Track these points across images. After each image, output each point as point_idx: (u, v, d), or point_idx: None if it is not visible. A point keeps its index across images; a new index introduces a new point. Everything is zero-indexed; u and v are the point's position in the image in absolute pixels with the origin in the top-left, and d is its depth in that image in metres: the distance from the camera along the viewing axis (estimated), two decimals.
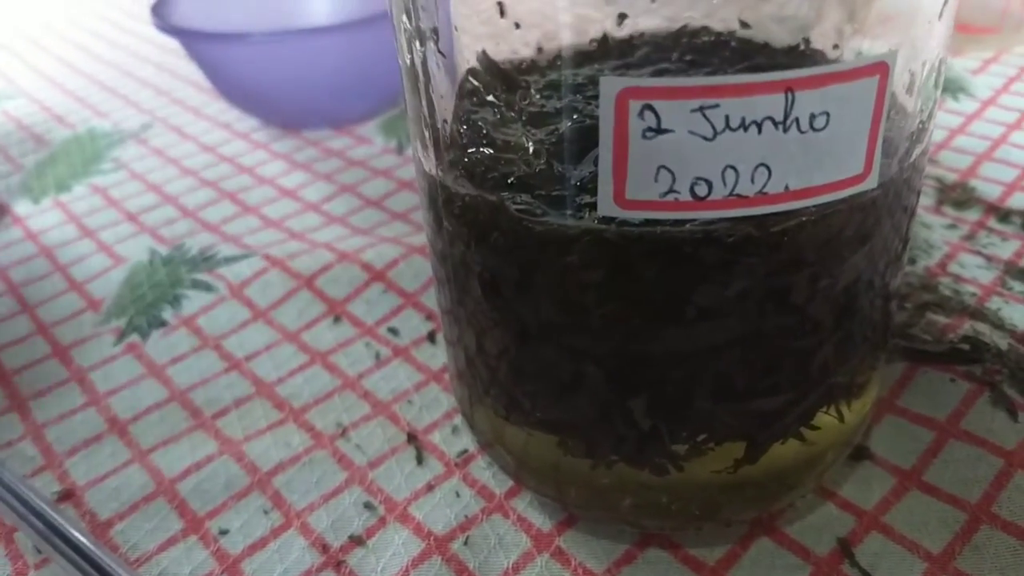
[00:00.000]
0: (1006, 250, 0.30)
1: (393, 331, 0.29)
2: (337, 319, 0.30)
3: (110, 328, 0.31)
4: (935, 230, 0.31)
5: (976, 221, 0.32)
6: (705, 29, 0.22)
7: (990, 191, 0.33)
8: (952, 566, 0.20)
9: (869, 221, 0.17)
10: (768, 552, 0.21)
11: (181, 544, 0.22)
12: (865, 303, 0.18)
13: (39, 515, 0.23)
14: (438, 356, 0.28)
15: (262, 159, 0.42)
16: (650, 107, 0.14)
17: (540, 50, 0.21)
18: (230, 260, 0.33)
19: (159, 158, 0.43)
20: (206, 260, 0.33)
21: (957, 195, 0.33)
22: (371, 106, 0.45)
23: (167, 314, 0.31)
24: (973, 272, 0.29)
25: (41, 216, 0.39)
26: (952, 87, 0.42)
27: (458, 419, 0.25)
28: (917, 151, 0.17)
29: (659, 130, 0.14)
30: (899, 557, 0.20)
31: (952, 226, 0.32)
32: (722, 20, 0.22)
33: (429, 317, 0.30)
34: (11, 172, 0.44)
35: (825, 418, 0.19)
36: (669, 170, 0.14)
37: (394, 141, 0.43)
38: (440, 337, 0.29)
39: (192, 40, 0.40)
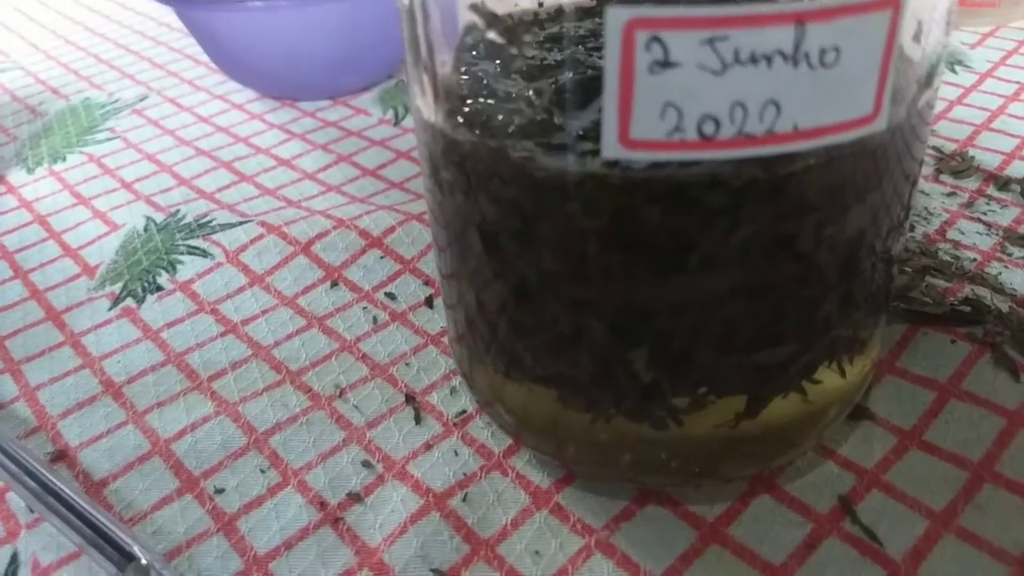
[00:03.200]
0: (1005, 217, 0.30)
1: (390, 296, 0.29)
2: (334, 284, 0.30)
3: (105, 293, 0.31)
4: (934, 198, 0.31)
5: (975, 189, 0.32)
6: None
7: (989, 160, 0.33)
8: (955, 523, 0.20)
9: (876, 168, 0.16)
10: (768, 509, 0.20)
11: (176, 503, 0.22)
12: (868, 258, 0.18)
13: (31, 475, 0.23)
14: (436, 320, 0.28)
15: (258, 129, 0.42)
16: (658, 39, 0.13)
17: (541, 3, 0.21)
18: (226, 227, 0.33)
19: (155, 128, 0.43)
20: (202, 226, 0.33)
21: (956, 164, 0.33)
22: (368, 77, 0.44)
23: (163, 279, 0.31)
24: (972, 238, 0.29)
25: (35, 185, 0.39)
26: (950, 60, 0.42)
27: (456, 381, 0.25)
28: (924, 97, 0.17)
29: (666, 63, 0.14)
30: (901, 515, 0.20)
31: (951, 194, 0.32)
32: None
33: (427, 282, 0.29)
34: (5, 142, 0.43)
35: (827, 373, 0.19)
36: (676, 107, 0.14)
37: (391, 112, 0.42)
38: (438, 302, 0.28)
39: (188, 9, 0.40)
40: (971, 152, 0.34)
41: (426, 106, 0.18)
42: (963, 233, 0.29)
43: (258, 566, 0.20)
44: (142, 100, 0.47)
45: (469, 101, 0.18)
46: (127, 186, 0.38)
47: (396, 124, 0.41)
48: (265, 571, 0.20)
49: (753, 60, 0.14)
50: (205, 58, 0.51)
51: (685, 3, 0.13)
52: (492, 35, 0.20)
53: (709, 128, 0.14)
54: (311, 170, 0.38)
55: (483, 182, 0.17)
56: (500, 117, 0.18)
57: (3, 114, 0.47)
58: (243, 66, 0.43)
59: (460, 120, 0.18)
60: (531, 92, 0.18)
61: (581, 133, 0.16)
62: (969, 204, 0.31)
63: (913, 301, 0.26)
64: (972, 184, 0.32)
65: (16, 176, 0.40)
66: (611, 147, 0.15)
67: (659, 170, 0.15)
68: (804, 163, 0.15)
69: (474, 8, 0.19)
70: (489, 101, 0.18)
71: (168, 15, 0.59)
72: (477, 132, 0.17)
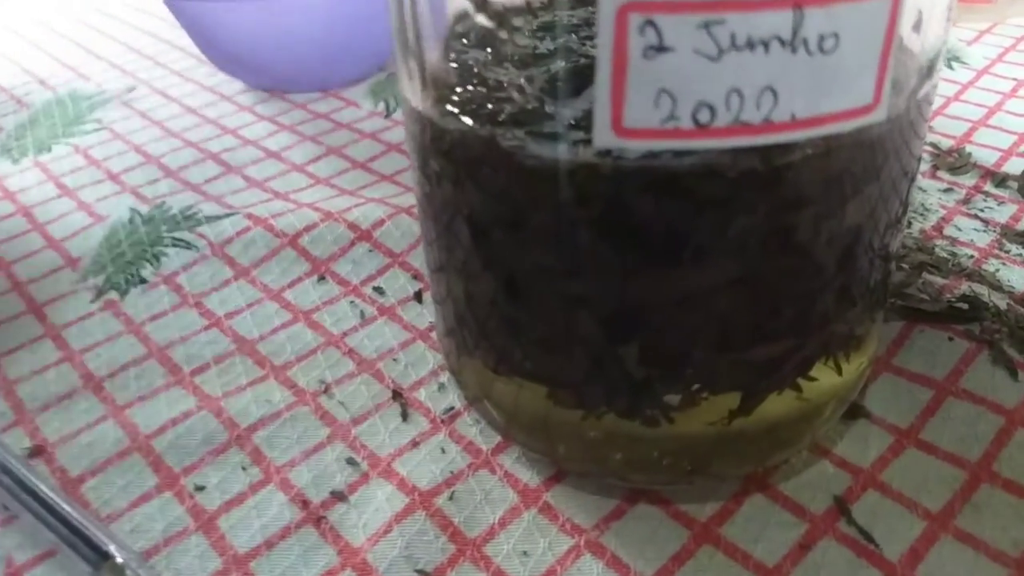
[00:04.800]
0: (1003, 214, 0.30)
1: (379, 290, 0.28)
2: (321, 278, 0.29)
3: (87, 285, 0.30)
4: (931, 194, 0.31)
5: (972, 186, 0.31)
6: None
7: (986, 156, 0.33)
8: (952, 524, 0.19)
9: (875, 159, 0.16)
10: (762, 509, 0.20)
11: (155, 500, 0.22)
12: (867, 253, 0.18)
13: (7, 471, 0.22)
14: (424, 315, 0.27)
15: (247, 121, 0.41)
16: (652, 23, 0.13)
17: None
18: (212, 219, 0.32)
19: (142, 120, 0.42)
20: (187, 219, 0.32)
21: (953, 160, 0.33)
22: (359, 70, 0.44)
23: (147, 272, 0.30)
24: (970, 235, 0.29)
25: (20, 176, 0.38)
26: (947, 56, 0.42)
27: (444, 377, 0.25)
28: (925, 88, 0.17)
29: (661, 48, 0.13)
30: (897, 515, 0.20)
31: (948, 190, 0.31)
32: None
33: (416, 277, 0.29)
34: None
35: (823, 370, 0.19)
36: (670, 94, 0.13)
37: (382, 105, 0.42)
38: (427, 296, 0.28)
39: (178, 0, 0.39)
40: (968, 148, 0.34)
41: (414, 94, 0.18)
42: (960, 230, 0.29)
43: (238, 565, 0.20)
44: (130, 91, 0.46)
45: (458, 89, 0.18)
46: (113, 177, 0.37)
47: (387, 116, 0.41)
48: (245, 571, 0.20)
49: (750, 45, 0.13)
50: (195, 49, 0.50)
51: None
52: (483, 21, 0.19)
53: (704, 116, 0.14)
54: (300, 162, 0.37)
55: (472, 171, 0.17)
56: (490, 105, 0.17)
57: None
58: (233, 57, 0.42)
59: (449, 108, 0.17)
60: (522, 80, 0.17)
61: (573, 122, 0.16)
62: (966, 201, 0.31)
63: (910, 298, 0.25)
64: (969, 181, 0.32)
65: (1, 167, 0.39)
66: (603, 135, 0.14)
67: (653, 159, 0.15)
68: (802, 153, 0.15)
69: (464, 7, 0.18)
70: (479, 89, 0.18)
71: (157, 5, 0.58)
72: (466, 120, 0.17)
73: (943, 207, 0.30)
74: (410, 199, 0.33)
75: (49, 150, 0.40)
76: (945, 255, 0.28)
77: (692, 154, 0.15)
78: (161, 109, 0.43)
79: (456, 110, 0.17)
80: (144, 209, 0.34)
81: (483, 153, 0.16)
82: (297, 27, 0.40)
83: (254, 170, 0.37)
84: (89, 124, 0.42)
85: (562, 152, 0.16)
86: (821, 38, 0.13)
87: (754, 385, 0.18)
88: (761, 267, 0.16)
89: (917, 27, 0.17)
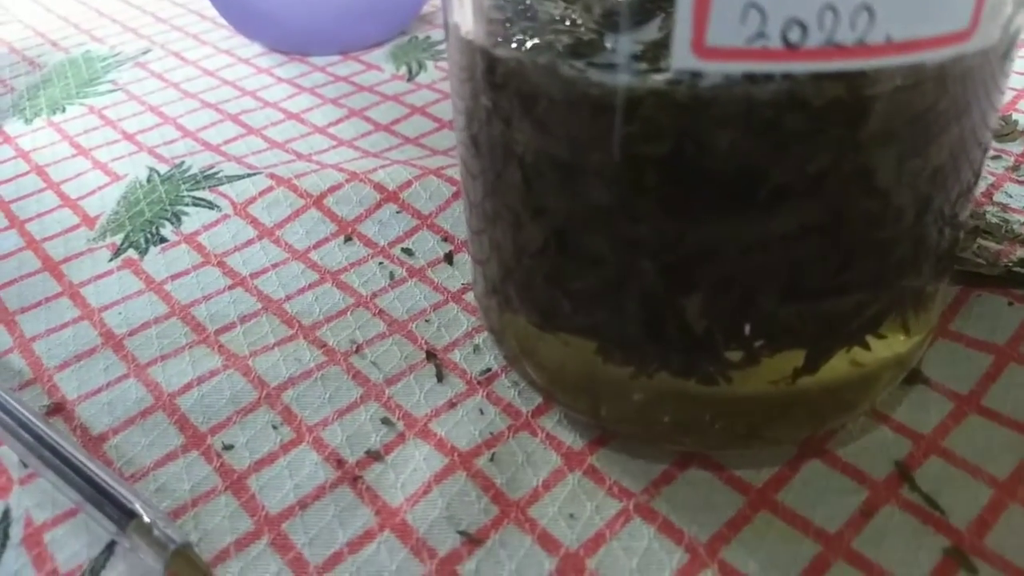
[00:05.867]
0: None
1: (408, 252, 0.27)
2: (348, 239, 0.28)
3: (105, 244, 0.29)
4: None
5: (1021, 153, 0.30)
6: None
7: None
8: (1020, 492, 0.18)
9: (964, 96, 0.15)
10: (820, 475, 0.19)
11: (181, 459, 0.21)
12: (944, 206, 0.17)
13: (26, 427, 0.21)
14: (456, 277, 0.26)
15: (266, 83, 0.40)
16: None
17: None
18: (233, 178, 0.31)
19: (158, 81, 0.41)
20: (208, 178, 0.31)
21: (1000, 127, 0.32)
22: (379, 32, 0.43)
23: (167, 231, 0.29)
24: (1021, 202, 0.28)
25: (33, 135, 0.37)
26: None
27: (479, 338, 0.24)
28: (1018, 19, 0.16)
29: None
30: (962, 482, 0.19)
31: (996, 157, 0.30)
32: None
33: (446, 239, 0.28)
34: (2, 93, 0.42)
35: (892, 328, 0.18)
36: (759, 8, 0.12)
37: (404, 68, 0.41)
38: (458, 259, 0.27)
39: None
40: (1014, 116, 0.33)
41: (464, 21, 0.17)
42: (1011, 196, 0.28)
43: (270, 526, 0.19)
44: (145, 53, 0.45)
45: (516, 20, 0.17)
46: (129, 137, 0.36)
47: (410, 80, 0.39)
48: (278, 531, 0.19)
49: None
50: (211, 12, 0.49)
51: None
52: None
53: (795, 35, 0.13)
54: (321, 124, 0.36)
55: (528, 105, 0.16)
56: (550, 35, 0.16)
57: (1, 65, 0.45)
58: (253, 16, 0.41)
59: (504, 37, 0.16)
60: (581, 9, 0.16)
61: (642, 51, 0.15)
62: (1015, 168, 0.29)
63: (966, 262, 0.24)
64: (1017, 148, 0.31)
65: (13, 126, 0.38)
66: (683, 56, 0.13)
67: (732, 88, 0.14)
68: (892, 84, 0.14)
69: None
70: (537, 21, 0.17)
71: None
72: (522, 50, 0.16)
73: (992, 174, 0.29)
74: (437, 161, 0.32)
75: (63, 110, 0.39)
76: (997, 221, 0.26)
77: (774, 80, 0.13)
78: (177, 71, 0.42)
79: (511, 39, 0.16)
80: (163, 168, 0.33)
81: (542, 83, 0.15)
82: None
83: (275, 131, 0.36)
84: (103, 85, 0.41)
85: (630, 79, 0.15)
86: None
87: (822, 341, 0.17)
88: (840, 210, 0.15)
89: None
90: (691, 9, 0.13)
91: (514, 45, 0.16)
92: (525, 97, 0.16)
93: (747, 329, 0.17)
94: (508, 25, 0.17)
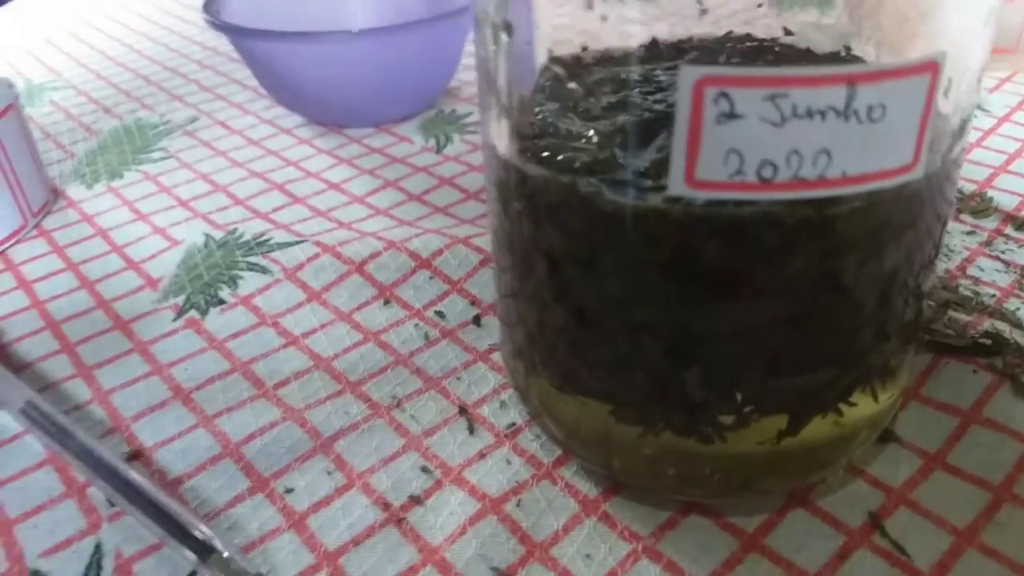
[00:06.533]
0: (1022, 256, 0.32)
1: (440, 314, 0.31)
2: (387, 302, 0.31)
3: (168, 305, 0.32)
4: (955, 236, 0.33)
5: (994, 229, 0.33)
6: (749, 36, 0.24)
7: (1007, 201, 0.35)
8: (977, 540, 0.21)
9: (913, 210, 0.18)
10: (803, 522, 0.22)
11: (248, 501, 0.24)
12: (903, 292, 0.20)
13: (111, 471, 0.24)
14: (483, 338, 0.29)
15: (307, 154, 0.44)
16: (725, 94, 0.15)
17: (604, 51, 0.23)
18: (283, 245, 0.35)
19: (207, 149, 0.45)
20: (260, 244, 0.35)
21: (975, 204, 0.35)
22: (411, 107, 0.46)
23: (224, 293, 0.32)
24: (992, 275, 0.31)
25: (95, 200, 0.41)
26: None
27: (505, 395, 0.27)
28: (957, 148, 0.19)
29: (732, 115, 0.15)
30: (927, 530, 0.22)
31: (971, 232, 0.33)
32: (765, 27, 0.24)
33: (473, 303, 0.31)
34: (63, 158, 0.46)
35: (862, 396, 0.21)
36: (738, 153, 0.16)
37: (432, 141, 0.44)
38: (486, 321, 0.30)
39: (245, 37, 0.42)
40: (989, 193, 0.36)
41: (501, 142, 0.20)
42: (982, 270, 0.31)
43: (329, 561, 0.22)
44: (193, 122, 0.49)
45: (540, 140, 0.20)
46: (184, 204, 0.40)
47: (438, 152, 0.43)
48: (335, 565, 0.22)
49: (809, 114, 0.15)
50: (252, 82, 0.53)
51: (749, 65, 0.15)
52: (566, 80, 0.22)
53: (768, 172, 0.16)
54: (360, 194, 0.40)
55: (553, 213, 0.19)
56: (568, 154, 0.19)
57: (59, 131, 0.49)
58: (294, 93, 0.45)
59: (532, 156, 0.20)
60: (594, 133, 0.20)
61: (644, 171, 0.18)
62: (988, 243, 0.33)
63: (936, 333, 0.27)
64: (991, 224, 0.34)
65: (76, 191, 0.42)
66: (678, 185, 0.16)
67: (718, 207, 0.17)
68: (850, 205, 0.17)
69: (552, 59, 0.21)
70: (558, 140, 0.20)
71: (214, 40, 0.62)
72: (548, 168, 0.19)
73: (966, 248, 0.32)
74: (465, 231, 0.35)
75: (121, 176, 0.43)
76: (969, 294, 0.30)
77: (754, 204, 0.17)
78: (224, 140, 0.46)
79: (538, 158, 0.20)
80: (217, 234, 0.36)
81: (563, 197, 0.19)
82: (355, 67, 0.42)
83: (317, 200, 0.39)
84: (156, 152, 0.45)
85: (635, 198, 0.18)
86: (870, 108, 0.16)
87: (800, 408, 0.20)
88: (810, 304, 0.18)
89: (947, 92, 0.19)
90: (684, 151, 0.16)
91: (540, 163, 0.19)
92: (550, 206, 0.19)
93: (737, 398, 0.20)
94: (536, 141, 0.20)
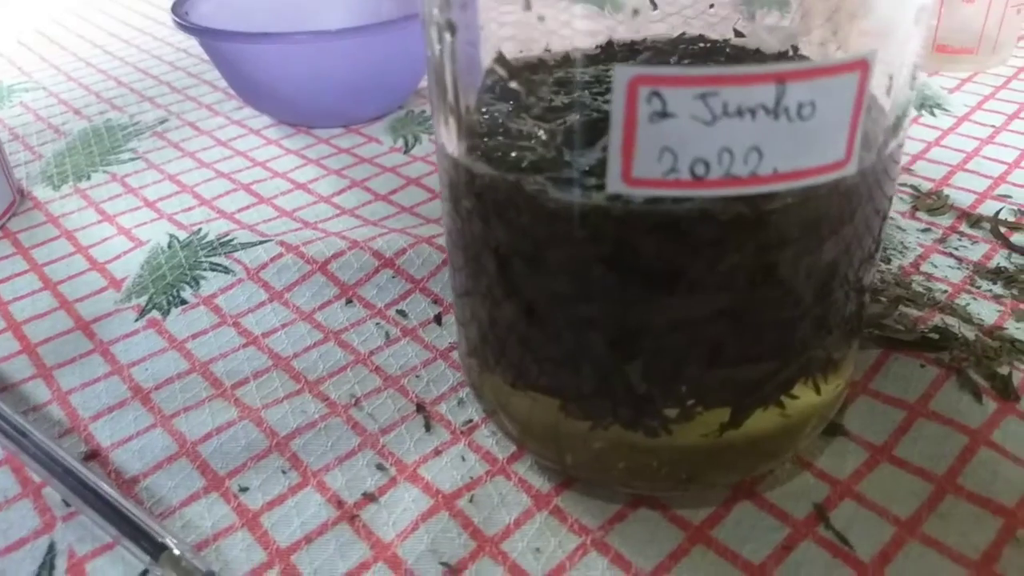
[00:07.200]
0: (975, 252, 0.32)
1: (402, 313, 0.31)
2: (349, 301, 0.32)
3: (131, 305, 0.32)
4: (910, 233, 0.34)
5: (948, 226, 0.34)
6: (701, 37, 0.24)
7: (963, 199, 0.36)
8: (919, 530, 0.22)
9: (848, 205, 0.19)
10: (749, 514, 0.22)
11: (203, 500, 0.24)
12: (842, 286, 0.20)
13: (68, 471, 0.24)
14: (444, 337, 0.30)
15: (275, 154, 0.44)
16: (657, 93, 0.16)
17: (550, 51, 0.23)
18: (247, 245, 0.35)
19: (176, 150, 0.45)
20: (223, 245, 0.35)
21: (931, 202, 0.35)
22: (379, 108, 0.47)
23: (187, 293, 0.33)
24: (944, 271, 0.31)
25: (61, 201, 0.41)
26: (929, 103, 0.44)
27: (463, 392, 0.27)
28: (892, 144, 0.19)
29: (664, 114, 0.16)
30: (871, 521, 0.22)
31: (926, 230, 0.34)
32: (718, 30, 0.24)
33: (436, 301, 0.31)
34: (31, 159, 0.45)
35: (803, 389, 0.21)
36: (672, 151, 0.16)
37: (400, 141, 0.45)
38: (447, 319, 0.30)
39: (213, 39, 0.42)
40: (946, 191, 0.36)
41: (450, 142, 0.21)
42: (936, 266, 0.32)
43: (280, 558, 0.22)
44: (162, 123, 0.49)
45: (488, 138, 0.20)
46: (150, 204, 0.40)
47: (406, 152, 0.43)
48: (287, 563, 0.22)
49: (739, 113, 0.16)
50: (222, 84, 0.53)
51: (681, 64, 0.16)
52: (509, 80, 0.22)
53: (700, 170, 0.16)
54: (326, 194, 0.40)
55: (500, 211, 0.19)
56: (514, 154, 0.20)
57: (28, 132, 0.49)
58: (263, 94, 0.45)
59: (480, 155, 0.20)
60: (542, 132, 0.20)
61: (587, 170, 0.18)
62: (942, 240, 0.33)
63: (886, 328, 0.28)
64: (946, 221, 0.34)
65: (43, 192, 0.42)
66: (615, 183, 0.17)
67: (656, 204, 0.17)
68: (783, 201, 0.18)
69: (497, 60, 0.21)
70: (505, 139, 0.20)
71: (186, 41, 0.62)
72: (495, 167, 0.20)
73: (921, 245, 0.33)
74: (430, 230, 0.35)
75: (88, 178, 0.43)
76: (921, 290, 0.30)
77: (689, 200, 0.17)
78: (193, 141, 0.46)
79: (486, 157, 0.20)
80: (182, 235, 0.36)
81: (510, 196, 0.19)
82: (324, 68, 0.43)
83: (283, 200, 0.39)
84: (125, 153, 0.45)
85: (578, 196, 0.18)
86: (800, 106, 0.16)
87: (742, 401, 0.20)
88: (747, 298, 0.19)
89: (888, 90, 0.19)
90: (620, 150, 0.16)
91: (488, 162, 0.20)
92: (498, 204, 0.19)
93: (681, 391, 0.20)
94: (484, 141, 0.20)
